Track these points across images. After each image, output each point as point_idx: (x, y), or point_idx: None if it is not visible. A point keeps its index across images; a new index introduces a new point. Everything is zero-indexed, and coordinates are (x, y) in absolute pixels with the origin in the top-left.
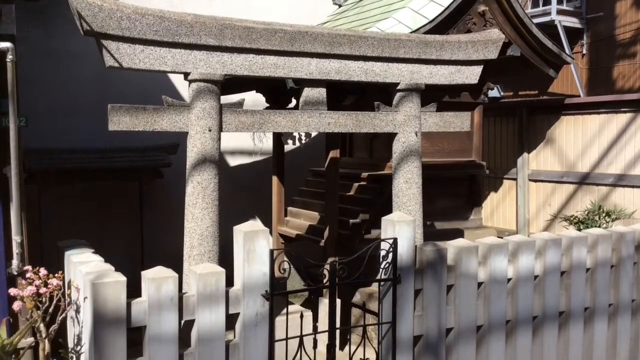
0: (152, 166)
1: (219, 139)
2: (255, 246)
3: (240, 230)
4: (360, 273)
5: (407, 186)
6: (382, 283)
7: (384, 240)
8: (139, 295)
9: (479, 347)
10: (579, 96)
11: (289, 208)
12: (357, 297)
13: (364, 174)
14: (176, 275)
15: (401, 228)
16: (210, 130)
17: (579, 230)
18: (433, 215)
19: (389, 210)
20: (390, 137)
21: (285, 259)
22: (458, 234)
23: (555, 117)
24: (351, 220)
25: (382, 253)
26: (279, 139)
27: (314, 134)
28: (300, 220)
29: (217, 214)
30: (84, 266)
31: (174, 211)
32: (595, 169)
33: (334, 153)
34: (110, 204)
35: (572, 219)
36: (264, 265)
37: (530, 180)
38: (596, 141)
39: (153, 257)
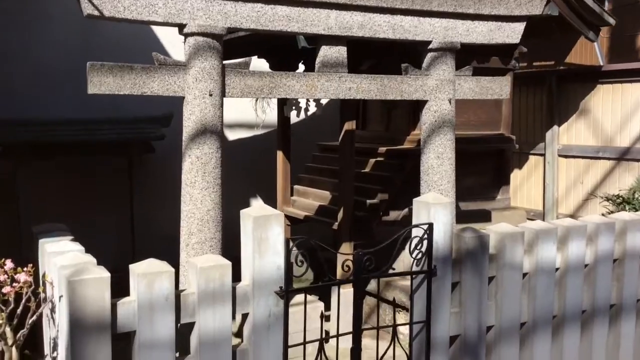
0: (143, 139)
1: (222, 106)
2: (268, 234)
3: (248, 215)
4: (389, 264)
5: (439, 162)
6: (414, 276)
7: (417, 226)
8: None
9: (522, 346)
10: (600, 66)
11: (295, 187)
12: (371, 285)
13: (382, 149)
14: (172, 269)
15: (437, 211)
16: (210, 95)
17: (625, 211)
18: (457, 194)
19: (409, 189)
20: (419, 105)
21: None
22: (485, 215)
23: (590, 85)
24: (368, 201)
25: (415, 241)
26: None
27: (323, 102)
28: (309, 200)
29: (220, 195)
30: (60, 258)
31: (168, 189)
32: (637, 144)
33: (350, 125)
34: (96, 182)
35: (615, 198)
36: (277, 256)
37: (560, 155)
38: (638, 112)
39: (146, 241)
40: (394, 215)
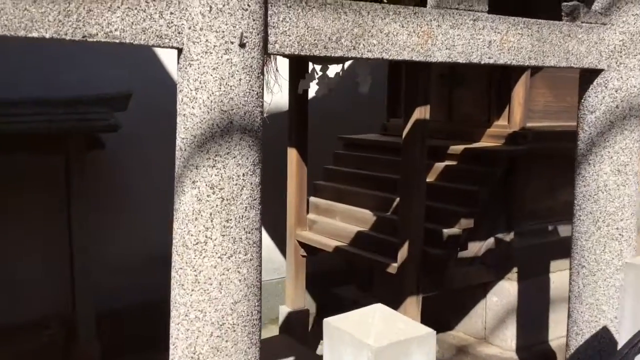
0: (87, 129)
1: (262, 72)
2: None
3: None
4: None
5: (620, 179)
6: None
7: None
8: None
9: None
10: None
11: (312, 199)
12: None
13: (455, 147)
14: None
15: None
16: (242, 46)
17: None
18: (554, 214)
19: (493, 209)
20: (584, 78)
21: None
22: None
23: None
24: (445, 231)
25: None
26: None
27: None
28: (336, 222)
29: (259, 265)
30: None
31: (124, 203)
32: None
33: (421, 111)
34: (18, 192)
35: None
36: None
37: None
38: None
39: (90, 277)
40: (474, 248)
